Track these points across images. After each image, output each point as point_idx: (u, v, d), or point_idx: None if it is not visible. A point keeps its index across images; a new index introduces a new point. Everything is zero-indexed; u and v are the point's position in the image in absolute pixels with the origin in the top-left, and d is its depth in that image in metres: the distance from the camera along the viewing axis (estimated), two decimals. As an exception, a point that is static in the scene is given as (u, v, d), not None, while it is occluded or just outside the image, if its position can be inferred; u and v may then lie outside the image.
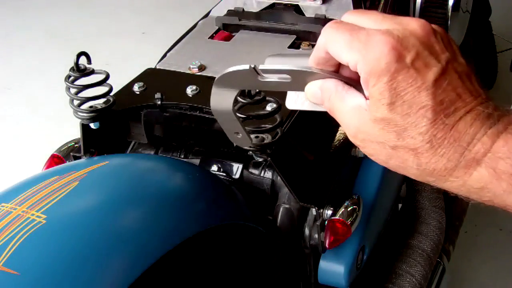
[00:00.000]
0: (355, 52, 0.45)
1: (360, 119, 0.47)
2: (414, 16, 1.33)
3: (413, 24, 0.46)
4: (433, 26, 0.47)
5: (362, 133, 0.47)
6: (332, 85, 0.49)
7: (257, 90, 0.78)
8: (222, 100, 0.55)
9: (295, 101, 0.55)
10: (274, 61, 0.52)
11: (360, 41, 0.45)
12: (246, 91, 0.77)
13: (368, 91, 0.45)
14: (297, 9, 1.17)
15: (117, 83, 0.94)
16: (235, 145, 0.82)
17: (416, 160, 0.45)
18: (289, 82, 0.50)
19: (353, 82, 0.48)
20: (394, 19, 0.47)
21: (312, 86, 0.50)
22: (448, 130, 0.44)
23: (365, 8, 1.16)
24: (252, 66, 0.50)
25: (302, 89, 0.51)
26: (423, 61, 0.44)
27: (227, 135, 0.65)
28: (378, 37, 0.44)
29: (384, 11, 1.25)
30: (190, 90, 0.92)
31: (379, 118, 0.45)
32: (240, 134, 0.63)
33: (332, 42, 0.47)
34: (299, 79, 0.50)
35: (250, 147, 0.79)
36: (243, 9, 1.19)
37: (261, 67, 0.50)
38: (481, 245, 1.67)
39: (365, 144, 0.48)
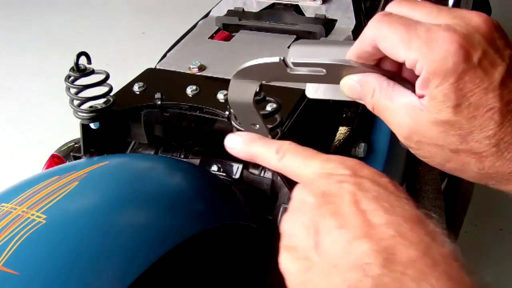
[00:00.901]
0: (415, 51, 0.42)
1: (415, 120, 0.43)
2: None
3: (475, 19, 0.42)
4: (494, 20, 0.44)
5: (417, 134, 0.44)
6: (375, 80, 0.46)
7: (257, 90, 0.78)
8: (242, 91, 0.52)
9: (316, 90, 0.52)
10: (302, 51, 0.48)
11: (420, 38, 0.42)
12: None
13: (429, 92, 0.42)
14: (297, 9, 1.17)
15: (117, 83, 0.94)
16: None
17: (478, 164, 0.43)
18: (322, 75, 0.46)
19: (396, 76, 0.45)
20: (453, 12, 0.43)
21: (350, 81, 0.47)
22: None
23: (365, 8, 1.16)
24: (282, 58, 0.46)
25: (337, 82, 0.47)
26: (489, 59, 0.41)
27: (243, 127, 0.62)
28: (442, 33, 0.41)
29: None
30: (190, 90, 0.92)
31: (441, 120, 0.42)
32: (258, 126, 0.60)
33: (384, 38, 0.43)
34: (335, 73, 0.46)
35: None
36: (243, 9, 1.19)
37: (292, 60, 0.46)
38: (481, 245, 1.67)
39: (420, 146, 0.45)
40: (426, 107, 0.43)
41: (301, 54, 0.47)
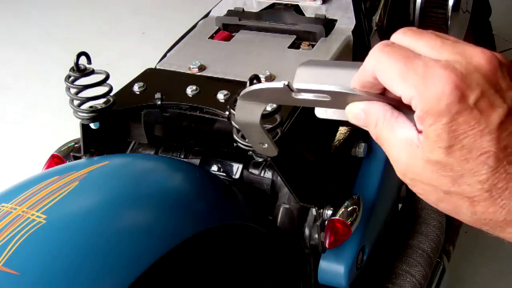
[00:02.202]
0: (411, 87, 0.40)
1: (411, 156, 0.42)
2: (414, 16, 1.33)
3: (478, 57, 0.40)
4: (499, 57, 0.41)
5: (412, 172, 0.43)
6: (379, 109, 0.44)
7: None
8: (249, 113, 0.53)
9: (325, 110, 0.51)
10: (308, 74, 0.47)
11: (417, 73, 0.40)
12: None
13: (423, 129, 0.41)
14: (297, 9, 1.17)
15: (117, 83, 0.94)
16: (235, 145, 0.82)
17: (471, 208, 0.41)
18: (327, 101, 0.46)
19: (402, 106, 0.44)
20: (456, 47, 0.41)
21: (355, 108, 0.45)
22: (511, 179, 0.39)
23: (365, 8, 1.16)
24: (286, 83, 0.46)
25: (342, 108, 0.46)
26: (488, 100, 0.39)
27: (251, 145, 0.63)
28: (438, 71, 0.39)
29: (384, 11, 1.25)
30: (190, 90, 0.92)
31: (433, 160, 0.41)
32: (266, 144, 0.61)
33: (382, 70, 0.42)
34: (340, 99, 0.45)
35: (250, 146, 0.79)
36: (243, 9, 1.19)
37: (296, 85, 0.46)
38: (481, 245, 1.67)
39: (415, 183, 0.43)
40: (421, 145, 0.41)
41: (307, 78, 0.47)
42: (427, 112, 0.40)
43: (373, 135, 0.45)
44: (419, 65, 0.40)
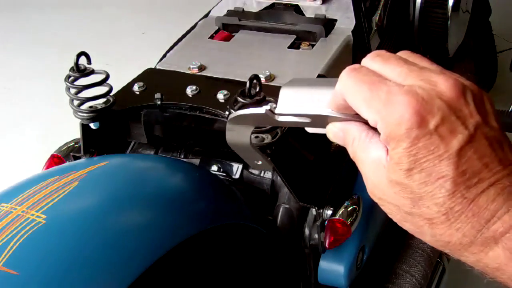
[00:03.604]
0: (374, 112, 0.41)
1: (378, 176, 0.43)
2: (413, 16, 1.33)
3: (442, 84, 0.41)
4: (466, 83, 0.42)
5: (379, 190, 0.44)
6: (355, 129, 0.45)
7: (257, 90, 0.79)
8: (238, 135, 0.55)
9: None
10: (290, 96, 0.49)
11: (380, 99, 0.41)
12: (246, 90, 0.77)
13: (389, 151, 0.42)
14: (297, 9, 1.17)
15: (117, 83, 0.94)
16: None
17: (430, 230, 0.42)
18: (308, 122, 0.48)
19: None
20: (422, 74, 0.42)
21: (334, 128, 0.47)
22: (467, 204, 0.40)
23: (365, 8, 1.16)
24: (268, 108, 0.48)
25: (323, 127, 0.48)
26: (448, 126, 0.40)
27: (247, 162, 0.66)
28: (399, 97, 0.40)
29: (384, 11, 1.25)
30: (190, 90, 0.92)
31: (395, 181, 0.42)
32: (260, 161, 0.63)
33: (349, 94, 0.43)
34: (320, 121, 0.48)
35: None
36: (243, 9, 1.19)
37: (277, 110, 0.48)
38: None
39: (382, 202, 0.45)
40: (386, 165, 0.42)
41: (289, 99, 0.49)
42: (389, 136, 0.41)
43: (350, 154, 0.47)
44: (382, 90, 0.41)
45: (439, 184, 0.40)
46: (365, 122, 0.44)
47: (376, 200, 0.45)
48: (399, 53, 0.45)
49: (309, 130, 0.51)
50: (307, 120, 0.48)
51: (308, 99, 0.48)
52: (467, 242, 0.41)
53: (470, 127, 0.40)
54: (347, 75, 0.43)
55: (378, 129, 0.42)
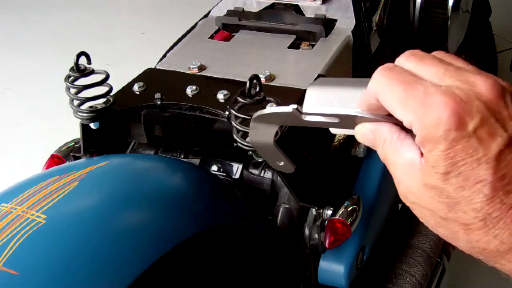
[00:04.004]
0: (410, 112, 0.40)
1: (412, 180, 0.42)
2: (414, 16, 1.33)
3: (480, 85, 0.39)
4: (505, 84, 0.40)
5: (412, 194, 0.42)
6: (386, 130, 0.44)
7: (257, 90, 0.79)
8: (262, 134, 0.54)
9: None
10: (317, 95, 0.47)
11: (416, 99, 0.40)
12: (246, 90, 0.77)
13: (424, 154, 0.41)
14: (297, 9, 1.17)
15: (117, 83, 0.94)
16: (234, 145, 0.82)
17: (466, 236, 0.41)
18: (336, 122, 0.47)
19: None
20: (459, 74, 0.40)
21: (363, 129, 0.45)
22: (506, 210, 0.39)
23: (365, 8, 1.16)
24: (295, 107, 0.47)
25: (351, 128, 0.47)
26: (487, 129, 0.38)
27: (268, 163, 0.64)
28: (437, 98, 0.39)
29: (384, 11, 1.25)
30: (190, 90, 0.92)
31: (430, 185, 0.40)
32: (282, 162, 0.62)
33: (383, 94, 0.42)
34: (348, 121, 0.46)
35: (250, 147, 0.79)
36: (243, 9, 1.19)
37: (304, 109, 0.47)
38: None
39: (415, 207, 0.43)
40: (421, 168, 0.41)
41: (316, 99, 0.47)
42: (425, 138, 0.40)
43: (380, 156, 0.45)
44: (418, 90, 0.40)
45: (477, 189, 0.39)
46: (398, 124, 0.43)
47: (408, 205, 0.44)
48: (434, 53, 0.44)
49: (334, 131, 0.50)
50: (335, 120, 0.46)
51: (336, 99, 0.46)
52: (504, 249, 0.40)
53: (510, 130, 0.39)
54: (381, 74, 0.42)
55: (414, 131, 0.41)
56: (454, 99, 0.38)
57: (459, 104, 0.38)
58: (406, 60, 0.43)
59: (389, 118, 0.43)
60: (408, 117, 0.40)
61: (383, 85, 0.42)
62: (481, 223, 0.39)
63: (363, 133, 0.45)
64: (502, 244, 0.40)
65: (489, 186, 0.38)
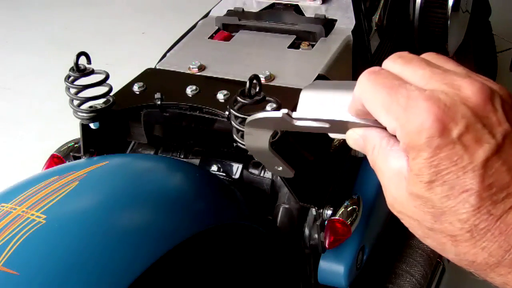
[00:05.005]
0: (393, 118, 0.38)
1: (398, 188, 0.40)
2: (413, 16, 1.33)
3: (466, 89, 0.37)
4: (494, 87, 0.38)
5: (399, 204, 0.41)
6: (376, 136, 0.42)
7: (257, 90, 0.79)
8: (256, 139, 0.53)
9: None
10: (310, 99, 0.47)
11: (399, 104, 0.38)
12: (246, 90, 0.77)
13: (409, 162, 0.39)
14: (297, 9, 1.17)
15: (117, 83, 0.94)
16: (234, 145, 0.82)
17: (454, 248, 0.39)
18: (327, 127, 0.46)
19: None
20: (445, 78, 0.38)
21: (354, 134, 0.44)
22: (493, 221, 0.37)
23: (365, 8, 1.16)
24: (285, 112, 0.46)
25: (342, 133, 0.46)
26: (474, 135, 0.36)
27: (267, 168, 0.64)
28: (420, 103, 0.37)
29: (384, 11, 1.25)
30: (190, 90, 0.92)
31: (415, 194, 0.39)
32: (281, 167, 0.61)
33: (367, 99, 0.40)
34: (339, 126, 0.45)
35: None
36: (243, 9, 1.19)
37: (294, 114, 0.46)
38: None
39: (402, 216, 0.42)
40: (407, 177, 0.39)
41: (309, 103, 0.47)
42: (408, 145, 0.38)
43: (370, 162, 0.44)
44: (402, 96, 0.38)
45: (463, 198, 0.37)
46: (386, 129, 0.42)
47: (395, 214, 0.42)
48: (424, 55, 0.42)
49: (330, 135, 0.50)
50: (326, 125, 0.46)
51: (328, 103, 0.45)
52: (493, 262, 0.38)
53: (498, 136, 0.37)
54: (365, 79, 0.40)
55: (398, 137, 0.39)
56: (437, 105, 0.37)
57: (442, 109, 0.36)
58: (393, 63, 0.41)
59: (379, 123, 0.42)
60: (391, 123, 0.39)
61: (367, 90, 0.40)
62: (468, 235, 0.37)
63: (354, 139, 0.44)
64: (490, 257, 0.38)
65: (476, 196, 0.36)
